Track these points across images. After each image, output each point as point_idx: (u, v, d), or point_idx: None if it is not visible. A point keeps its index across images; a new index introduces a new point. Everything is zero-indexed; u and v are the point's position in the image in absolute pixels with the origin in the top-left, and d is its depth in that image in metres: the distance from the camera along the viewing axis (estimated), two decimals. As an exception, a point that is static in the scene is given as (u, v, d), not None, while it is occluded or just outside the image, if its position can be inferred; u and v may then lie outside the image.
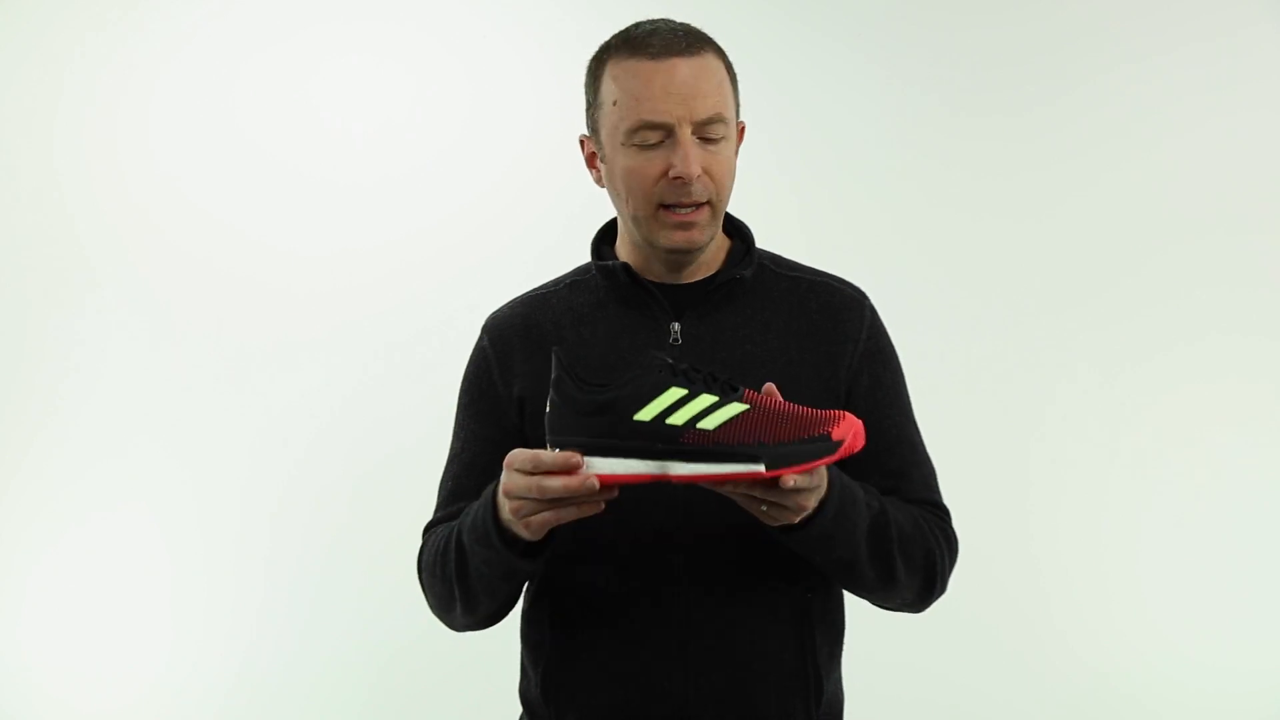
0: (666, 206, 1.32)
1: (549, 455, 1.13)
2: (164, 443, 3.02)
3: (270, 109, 3.06)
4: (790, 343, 1.39)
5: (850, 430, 1.12)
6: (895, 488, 1.39)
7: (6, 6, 3.02)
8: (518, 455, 1.16)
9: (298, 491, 3.02)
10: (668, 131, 1.30)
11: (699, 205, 1.32)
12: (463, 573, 1.32)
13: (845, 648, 1.47)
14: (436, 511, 1.47)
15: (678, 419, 1.11)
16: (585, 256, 1.48)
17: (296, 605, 3.00)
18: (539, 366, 1.39)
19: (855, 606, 1.45)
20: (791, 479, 1.10)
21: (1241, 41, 2.99)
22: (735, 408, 1.11)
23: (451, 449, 1.47)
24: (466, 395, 1.47)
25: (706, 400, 1.11)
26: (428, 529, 1.46)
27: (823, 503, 1.20)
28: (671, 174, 1.30)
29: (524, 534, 1.20)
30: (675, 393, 1.12)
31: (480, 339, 1.47)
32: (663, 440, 1.11)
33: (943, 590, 1.40)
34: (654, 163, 1.31)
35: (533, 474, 1.14)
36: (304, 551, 3.00)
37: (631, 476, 1.12)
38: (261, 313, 3.04)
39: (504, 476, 1.18)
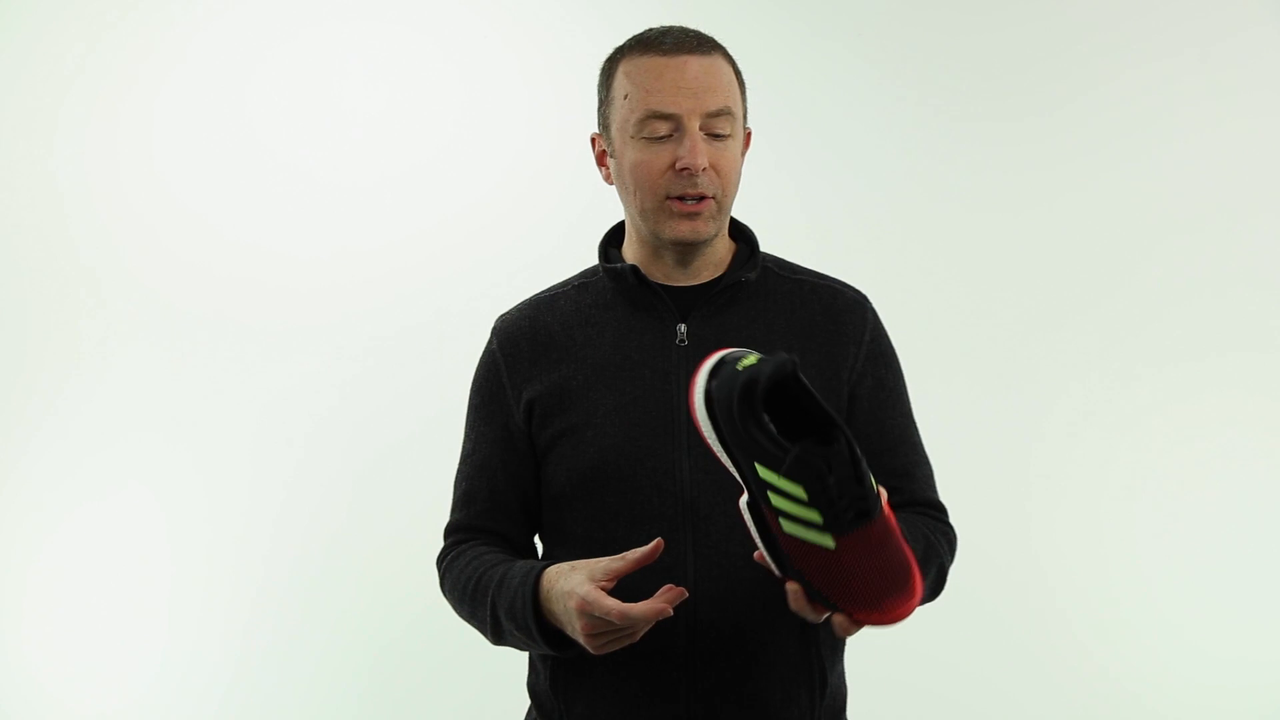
0: (673, 199, 1.35)
1: (638, 610, 1.16)
2: (164, 441, 3.02)
3: (270, 109, 3.05)
4: (793, 344, 1.41)
5: (895, 616, 1.11)
6: (899, 487, 1.43)
7: (6, 7, 3.03)
8: (600, 605, 1.17)
9: (299, 487, 3.01)
10: (676, 124, 1.33)
11: (704, 198, 1.35)
12: (498, 633, 1.37)
13: (848, 640, 1.47)
14: (453, 513, 1.51)
15: (776, 501, 1.08)
16: (586, 257, 1.50)
17: (299, 598, 2.99)
18: (546, 369, 1.42)
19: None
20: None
21: (1243, 42, 3.00)
22: (817, 537, 1.07)
23: (463, 449, 1.51)
24: (477, 397, 1.50)
25: (808, 515, 1.07)
26: (448, 532, 1.51)
27: None
28: (679, 165, 1.33)
29: (591, 650, 1.23)
30: (796, 490, 1.06)
31: (489, 342, 1.50)
32: (753, 486, 1.10)
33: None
34: (661, 155, 1.34)
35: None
36: (306, 544, 3.00)
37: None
38: (261, 312, 3.03)
39: (582, 620, 1.20)
